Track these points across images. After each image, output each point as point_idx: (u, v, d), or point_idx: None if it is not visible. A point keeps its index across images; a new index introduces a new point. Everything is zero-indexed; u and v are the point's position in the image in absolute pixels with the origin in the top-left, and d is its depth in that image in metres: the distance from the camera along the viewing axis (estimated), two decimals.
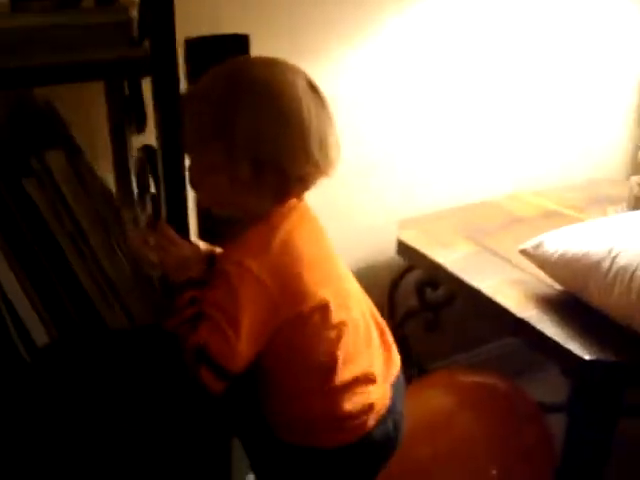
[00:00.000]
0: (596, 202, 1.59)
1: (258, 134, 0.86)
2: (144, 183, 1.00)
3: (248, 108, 0.86)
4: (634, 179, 1.44)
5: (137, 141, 1.03)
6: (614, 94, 1.74)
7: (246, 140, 0.86)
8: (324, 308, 0.91)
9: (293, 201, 0.92)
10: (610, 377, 1.11)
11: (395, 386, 1.03)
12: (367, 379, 0.97)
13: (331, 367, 0.93)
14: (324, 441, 0.97)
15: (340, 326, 0.93)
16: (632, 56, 1.72)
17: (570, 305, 1.21)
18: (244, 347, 0.87)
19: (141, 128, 0.98)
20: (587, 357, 1.08)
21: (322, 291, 0.91)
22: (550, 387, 1.65)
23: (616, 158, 1.79)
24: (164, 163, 0.85)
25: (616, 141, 1.78)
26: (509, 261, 1.35)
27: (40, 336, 0.87)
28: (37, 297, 0.86)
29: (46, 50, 0.78)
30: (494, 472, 1.33)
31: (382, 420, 0.99)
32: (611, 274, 1.12)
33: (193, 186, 0.92)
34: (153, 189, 0.95)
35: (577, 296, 1.20)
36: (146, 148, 0.95)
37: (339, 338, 0.93)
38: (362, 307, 1.01)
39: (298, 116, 0.87)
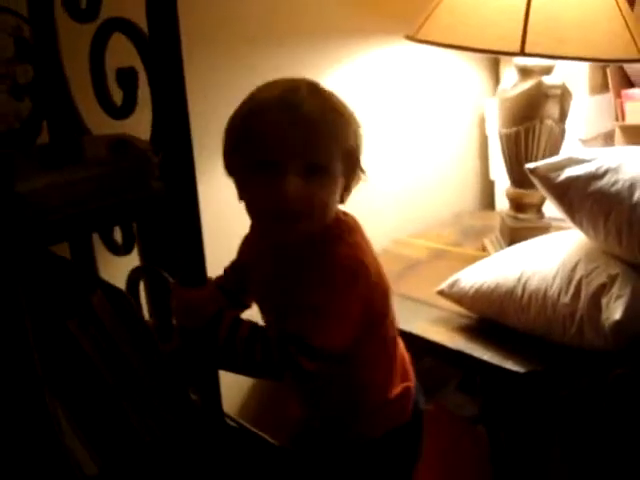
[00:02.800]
0: (468, 235, 1.84)
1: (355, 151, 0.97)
2: None
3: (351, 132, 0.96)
4: (504, 212, 1.70)
5: None
6: (459, 134, 2.00)
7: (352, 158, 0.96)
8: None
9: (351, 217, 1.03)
10: (542, 385, 1.32)
11: None
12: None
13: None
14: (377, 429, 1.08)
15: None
16: (471, 96, 1.99)
17: (490, 330, 1.42)
18: (349, 335, 0.97)
19: None
20: (522, 371, 1.30)
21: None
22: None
23: (468, 192, 2.06)
24: None
25: (466, 176, 2.04)
26: (425, 302, 1.53)
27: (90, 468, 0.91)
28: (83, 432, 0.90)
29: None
30: None
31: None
32: (525, 297, 1.34)
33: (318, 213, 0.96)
34: None
35: (496, 321, 1.41)
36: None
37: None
38: None
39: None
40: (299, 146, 0.90)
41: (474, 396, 1.94)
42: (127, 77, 0.92)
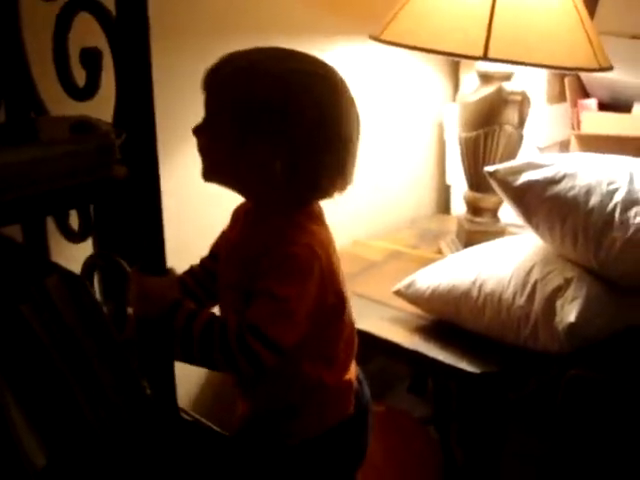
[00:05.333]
0: (424, 238, 1.85)
1: (308, 144, 0.95)
2: None
3: (306, 119, 0.94)
4: (462, 216, 1.71)
5: None
6: (417, 138, 2.02)
7: (294, 148, 0.94)
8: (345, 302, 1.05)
9: (317, 205, 1.03)
10: (497, 386, 1.33)
11: None
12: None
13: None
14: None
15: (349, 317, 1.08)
16: (430, 101, 2.01)
17: (446, 331, 1.42)
18: (304, 328, 0.97)
19: None
20: (477, 372, 1.31)
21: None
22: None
23: (425, 196, 2.07)
24: None
25: (424, 180, 2.06)
26: (380, 302, 1.53)
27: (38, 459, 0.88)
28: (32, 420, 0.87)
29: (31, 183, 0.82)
30: None
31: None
32: (480, 300, 1.35)
33: (208, 163, 0.98)
34: None
35: (451, 322, 1.42)
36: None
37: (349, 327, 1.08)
38: None
39: (346, 129, 0.98)
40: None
41: (424, 397, 1.96)
42: (91, 57, 0.90)
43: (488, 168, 1.37)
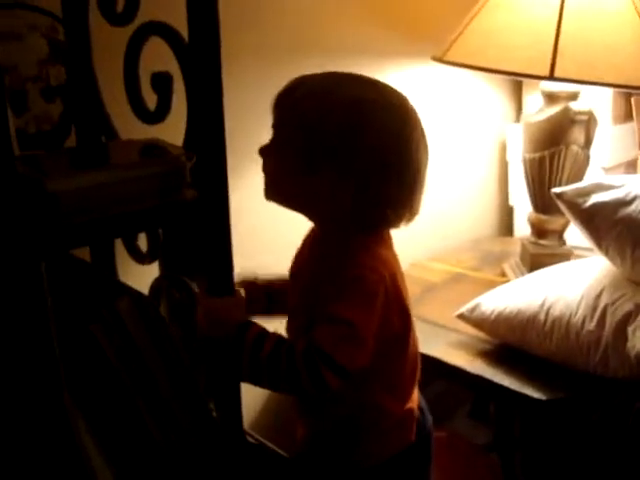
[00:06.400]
0: (487, 260, 1.82)
1: (377, 176, 0.94)
2: None
3: (377, 150, 0.93)
4: (525, 237, 1.68)
5: None
6: (479, 159, 1.99)
7: (362, 179, 0.93)
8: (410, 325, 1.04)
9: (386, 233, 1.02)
10: (564, 413, 1.30)
11: None
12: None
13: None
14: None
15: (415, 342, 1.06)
16: (493, 121, 1.98)
17: (511, 356, 1.39)
18: (370, 351, 0.95)
19: None
20: (544, 398, 1.27)
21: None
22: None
23: (487, 217, 2.04)
24: None
25: (486, 201, 2.03)
26: (444, 326, 1.51)
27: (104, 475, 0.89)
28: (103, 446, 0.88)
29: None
30: None
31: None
32: (548, 324, 1.32)
33: (271, 183, 0.99)
34: None
35: (516, 348, 1.39)
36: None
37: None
38: None
39: (415, 162, 0.97)
40: None
41: (486, 423, 1.92)
42: (162, 81, 0.91)
43: (555, 190, 1.35)
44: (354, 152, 0.93)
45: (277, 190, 0.99)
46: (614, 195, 1.29)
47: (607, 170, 1.78)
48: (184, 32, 0.87)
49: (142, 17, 0.93)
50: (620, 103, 1.81)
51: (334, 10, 1.54)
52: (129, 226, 0.92)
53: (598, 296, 1.29)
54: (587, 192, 1.31)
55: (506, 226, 2.06)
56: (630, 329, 1.22)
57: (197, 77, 0.86)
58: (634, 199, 1.27)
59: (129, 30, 0.94)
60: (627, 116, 1.83)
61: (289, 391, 0.99)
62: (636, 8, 1.42)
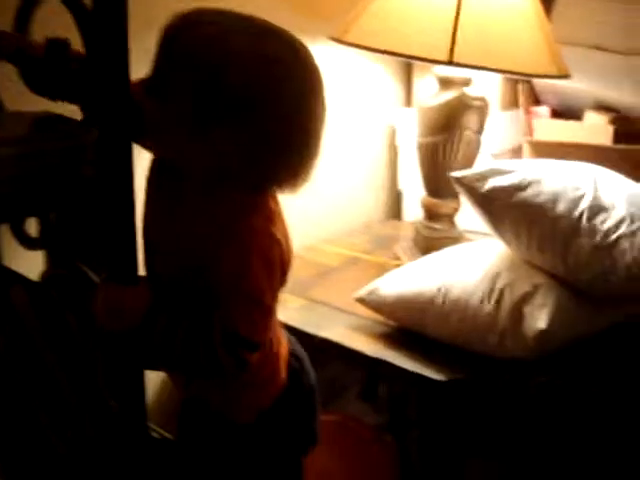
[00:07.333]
0: (380, 244, 1.83)
1: (274, 139, 0.89)
2: None
3: (277, 113, 0.87)
4: (418, 221, 1.70)
5: None
6: (368, 141, 1.99)
7: (257, 140, 0.88)
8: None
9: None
10: (463, 394, 1.32)
11: None
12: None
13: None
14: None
15: None
16: (382, 105, 1.98)
17: (410, 339, 1.40)
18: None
19: None
20: (444, 379, 1.29)
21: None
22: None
23: (377, 200, 2.05)
24: None
25: (375, 185, 2.04)
26: (341, 309, 1.50)
27: None
28: None
29: None
30: None
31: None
32: (446, 307, 1.33)
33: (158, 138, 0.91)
34: None
35: (415, 330, 1.40)
36: None
37: None
38: None
39: (315, 128, 0.92)
40: None
41: (375, 405, 1.94)
42: (58, 48, 0.83)
43: (454, 174, 1.36)
44: (251, 113, 0.87)
45: (158, 139, 0.91)
46: (510, 180, 1.31)
47: (495, 156, 1.83)
48: None
49: None
50: (507, 90, 1.86)
51: None
52: (15, 210, 0.83)
53: (495, 278, 1.31)
54: (485, 176, 1.33)
55: (395, 210, 2.07)
56: (527, 310, 1.25)
57: (101, 45, 0.78)
58: (529, 184, 1.30)
59: None
60: (513, 103, 1.88)
61: (206, 376, 0.96)
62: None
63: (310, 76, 0.92)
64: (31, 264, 1.01)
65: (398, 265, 1.58)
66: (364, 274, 1.58)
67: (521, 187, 1.30)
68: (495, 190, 1.31)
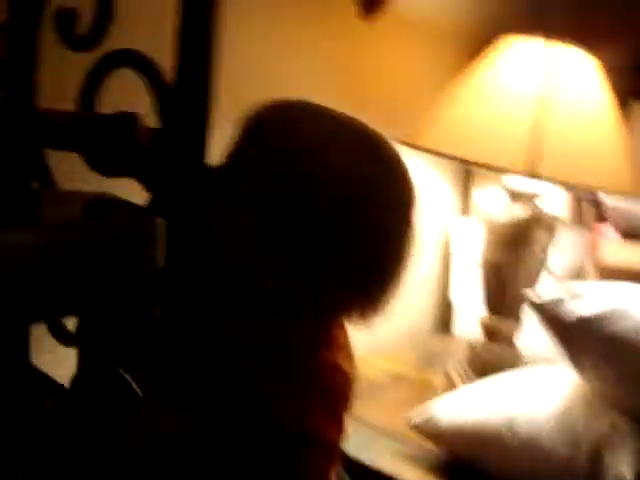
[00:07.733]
0: (427, 359, 1.69)
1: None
2: None
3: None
4: (474, 340, 1.56)
5: None
6: (421, 248, 1.88)
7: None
8: None
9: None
10: None
11: None
12: None
13: None
14: None
15: None
16: (438, 213, 1.90)
17: (464, 473, 1.24)
18: None
19: None
20: None
21: None
22: None
23: (424, 312, 1.92)
24: None
25: (424, 294, 1.91)
26: (385, 431, 1.34)
27: None
28: None
29: None
30: None
31: None
32: (514, 444, 1.18)
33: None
34: None
35: (474, 466, 1.24)
36: None
37: None
38: None
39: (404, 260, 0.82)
40: None
41: None
42: (125, 122, 0.73)
43: (531, 297, 1.23)
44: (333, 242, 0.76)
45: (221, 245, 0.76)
46: (593, 308, 1.18)
47: (557, 275, 1.71)
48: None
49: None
50: (571, 206, 1.76)
51: (309, 86, 1.41)
52: (56, 307, 0.71)
53: (569, 415, 1.17)
54: (564, 302, 1.20)
55: (443, 322, 1.94)
56: (607, 454, 1.11)
57: (180, 127, 0.68)
58: (614, 314, 1.17)
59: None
60: (576, 220, 1.78)
61: None
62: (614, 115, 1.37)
63: (406, 208, 0.82)
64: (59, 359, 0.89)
65: (450, 387, 1.44)
66: (413, 394, 1.44)
67: (607, 317, 1.17)
68: (580, 320, 1.17)
